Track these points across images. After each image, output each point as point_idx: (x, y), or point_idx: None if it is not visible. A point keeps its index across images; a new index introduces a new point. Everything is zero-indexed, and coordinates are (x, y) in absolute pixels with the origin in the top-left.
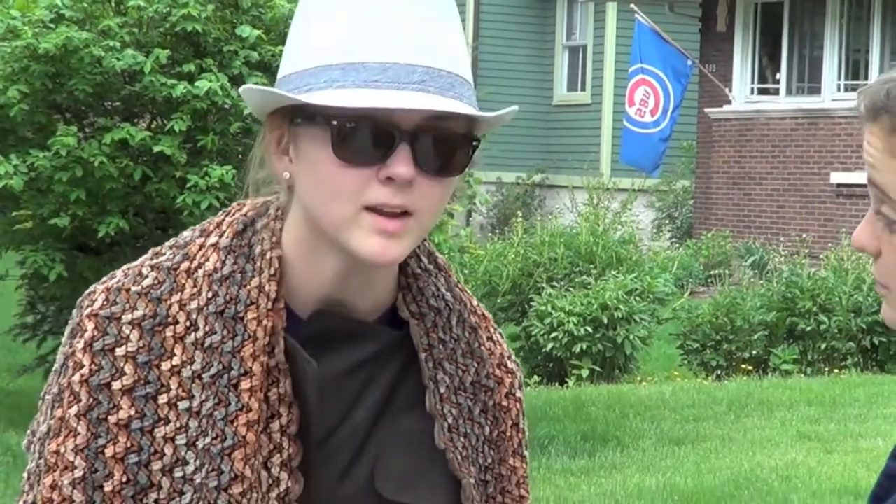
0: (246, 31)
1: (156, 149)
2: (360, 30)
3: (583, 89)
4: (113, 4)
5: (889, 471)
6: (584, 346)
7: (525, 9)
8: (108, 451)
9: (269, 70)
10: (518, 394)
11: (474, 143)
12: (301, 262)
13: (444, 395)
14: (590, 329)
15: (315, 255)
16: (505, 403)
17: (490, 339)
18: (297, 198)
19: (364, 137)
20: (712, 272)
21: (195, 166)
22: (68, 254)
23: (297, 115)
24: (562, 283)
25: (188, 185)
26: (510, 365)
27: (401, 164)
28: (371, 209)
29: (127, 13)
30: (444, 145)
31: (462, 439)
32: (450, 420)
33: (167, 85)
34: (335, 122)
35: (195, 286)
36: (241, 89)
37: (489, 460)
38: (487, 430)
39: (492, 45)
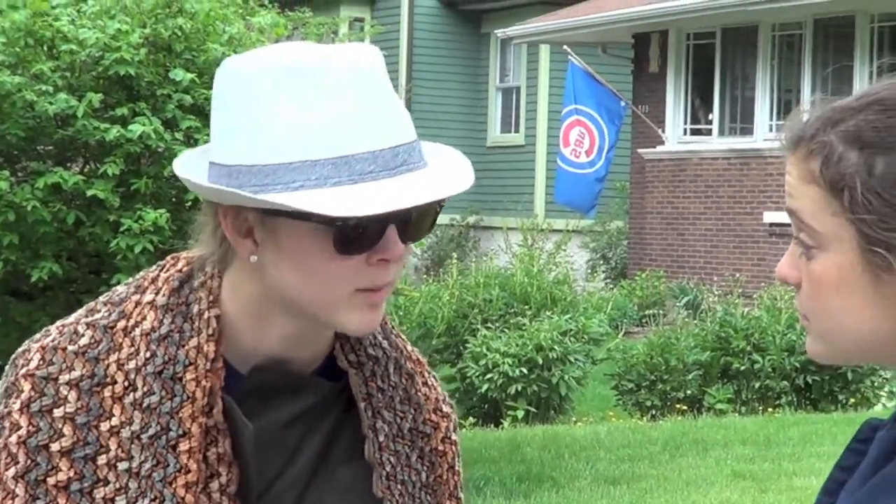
0: (179, 74)
1: (89, 193)
2: (336, 117)
3: (516, 131)
4: (45, 49)
5: (843, 462)
6: (520, 388)
7: (458, 51)
8: None
9: (202, 113)
10: (453, 437)
11: (441, 205)
12: (244, 323)
13: (382, 443)
14: (525, 370)
15: (263, 319)
16: (441, 448)
17: (425, 383)
18: (259, 274)
19: (362, 229)
20: (646, 312)
21: (129, 210)
22: (1, 299)
23: (275, 210)
24: (496, 324)
25: (122, 229)
26: (445, 409)
27: (394, 247)
28: (360, 289)
29: (59, 57)
30: (423, 217)
31: (399, 486)
32: (388, 468)
33: (100, 129)
34: (339, 224)
35: (133, 346)
36: (203, 188)
37: None
38: (424, 475)
39: (425, 87)
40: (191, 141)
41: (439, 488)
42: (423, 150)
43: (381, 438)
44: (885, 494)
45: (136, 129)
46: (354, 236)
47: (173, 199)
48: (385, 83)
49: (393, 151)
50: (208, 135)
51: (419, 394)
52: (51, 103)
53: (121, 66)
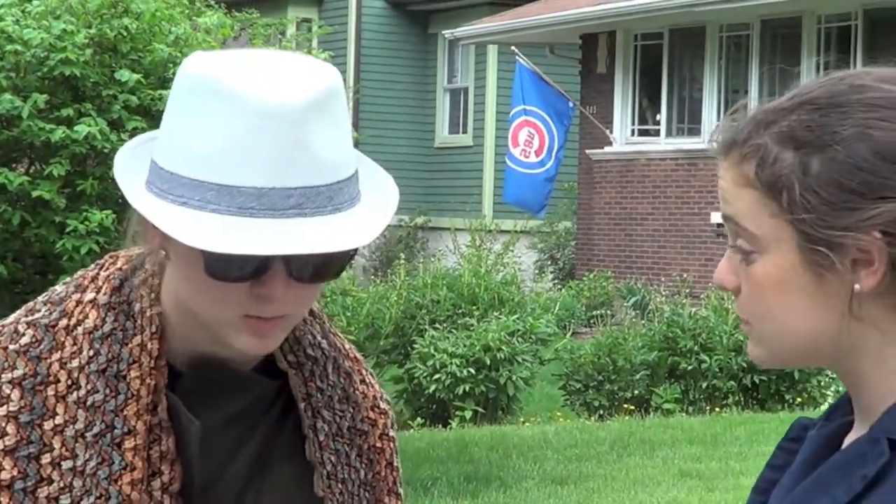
0: (125, 75)
1: (34, 193)
2: (235, 148)
3: (464, 131)
4: None
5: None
6: (467, 388)
7: (406, 51)
8: None
9: (148, 114)
10: (391, 433)
11: (352, 252)
12: (179, 320)
13: (322, 442)
14: (473, 370)
15: (193, 318)
16: (379, 444)
17: (363, 381)
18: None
19: (237, 262)
20: (594, 313)
21: (74, 211)
22: None
23: None
24: (444, 324)
25: (68, 230)
26: (383, 405)
27: (275, 286)
28: (247, 316)
29: (4, 57)
30: (320, 260)
31: (340, 485)
32: (328, 467)
33: (45, 129)
34: (203, 251)
35: (75, 344)
36: (116, 169)
37: (365, 503)
38: (363, 473)
39: (373, 88)
40: None
41: (378, 485)
42: (352, 195)
43: (322, 438)
44: (822, 493)
45: (82, 129)
46: (223, 267)
47: (119, 201)
48: (322, 120)
49: (285, 192)
50: None
51: (357, 392)
52: None
53: (66, 66)
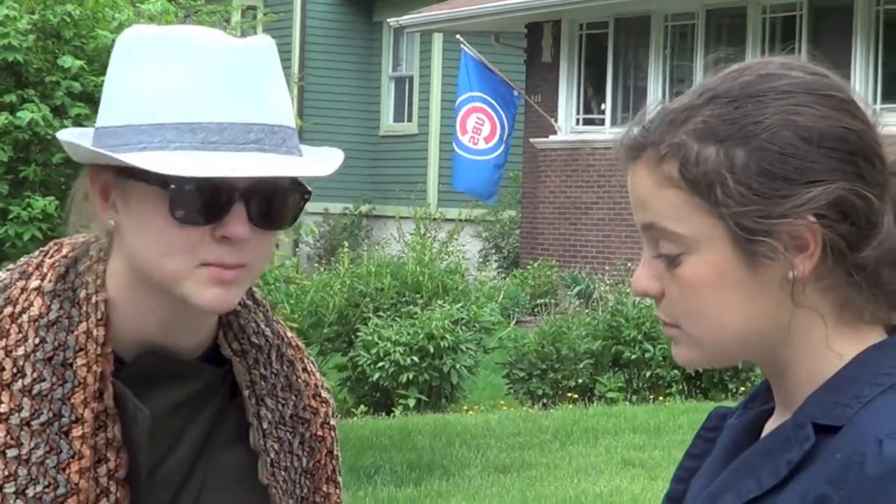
0: (68, 61)
1: None
2: (192, 86)
3: (409, 120)
4: None
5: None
6: (411, 376)
7: (351, 39)
8: None
9: (91, 100)
10: (332, 422)
11: (305, 196)
12: (126, 306)
13: (266, 430)
14: (416, 359)
15: (141, 301)
16: (320, 433)
17: (305, 370)
18: (121, 244)
19: (201, 199)
20: (538, 301)
21: (17, 197)
22: None
23: (126, 171)
24: (388, 312)
25: (10, 217)
26: (324, 394)
27: (237, 225)
28: (206, 264)
29: None
30: (277, 201)
31: (283, 473)
32: (272, 455)
33: None
34: (173, 186)
35: (20, 332)
36: (62, 139)
37: (305, 490)
38: (305, 461)
39: (318, 76)
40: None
41: (317, 473)
42: (298, 146)
43: (265, 426)
44: (747, 477)
45: (25, 116)
46: (189, 204)
47: (63, 187)
48: (268, 69)
49: (245, 127)
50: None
51: (299, 380)
52: None
53: (9, 52)
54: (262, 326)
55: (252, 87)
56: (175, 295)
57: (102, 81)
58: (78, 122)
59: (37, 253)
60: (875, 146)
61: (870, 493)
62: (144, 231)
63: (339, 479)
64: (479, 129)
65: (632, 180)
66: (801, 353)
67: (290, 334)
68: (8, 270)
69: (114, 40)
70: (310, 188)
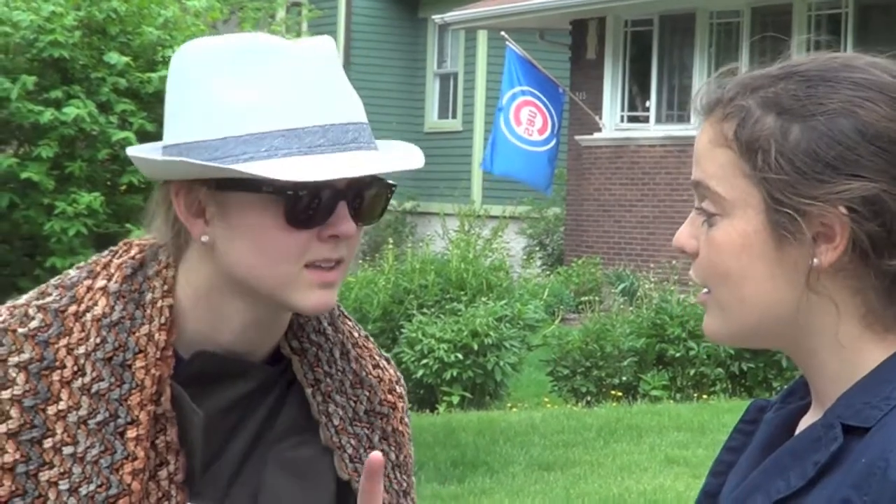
0: (114, 57)
1: (23, 175)
2: (287, 93)
3: (454, 117)
4: None
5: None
6: (455, 373)
7: (396, 36)
8: None
9: (137, 97)
10: (406, 419)
11: (392, 190)
12: (199, 313)
13: (339, 426)
14: (460, 356)
15: (218, 310)
16: (401, 428)
17: (377, 366)
18: (209, 256)
19: (313, 202)
20: (583, 299)
21: (63, 193)
22: None
23: (226, 183)
24: (432, 309)
25: (56, 212)
26: (399, 390)
27: (344, 223)
28: (310, 265)
29: None
30: (371, 197)
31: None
32: (349, 451)
33: (34, 111)
34: (290, 192)
35: (83, 331)
36: (153, 161)
37: (404, 485)
38: (393, 455)
39: (363, 73)
40: (125, 124)
41: (407, 467)
42: (375, 141)
43: (337, 422)
44: (777, 477)
45: (71, 111)
46: (305, 208)
47: (108, 183)
48: (339, 70)
49: (343, 128)
50: (143, 118)
51: (370, 376)
52: None
53: (55, 48)
54: (324, 325)
55: (336, 88)
56: (278, 300)
57: (148, 78)
58: (123, 118)
59: (106, 252)
60: None
61: (893, 500)
62: (250, 241)
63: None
64: (533, 121)
65: (698, 135)
66: (829, 347)
67: (357, 331)
68: (78, 268)
69: (159, 37)
70: (394, 183)
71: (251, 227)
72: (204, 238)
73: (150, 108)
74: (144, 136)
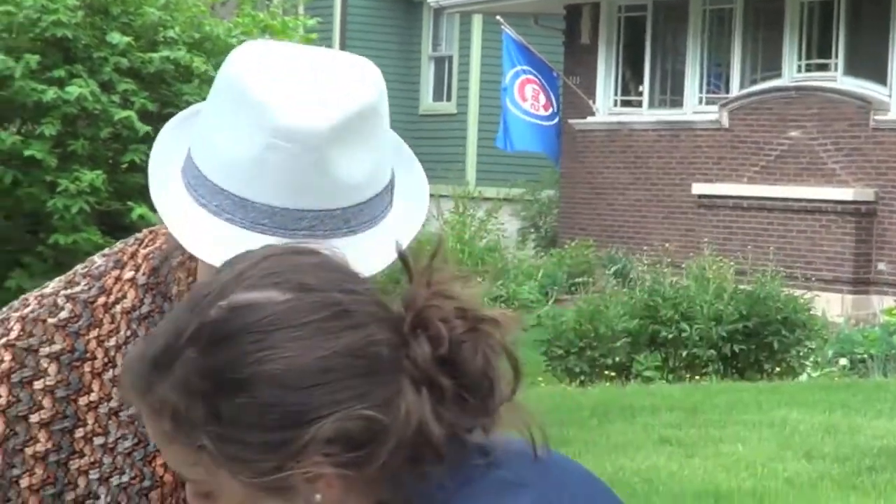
0: (116, 37)
1: (26, 153)
2: (253, 161)
3: (448, 99)
4: None
5: None
6: None
7: (391, 19)
8: (24, 482)
9: (138, 76)
10: None
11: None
12: None
13: None
14: None
15: None
16: None
17: None
18: None
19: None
20: (576, 280)
21: (65, 171)
22: None
23: None
24: None
25: (58, 190)
26: None
27: None
28: None
29: None
30: None
31: None
32: None
33: (37, 90)
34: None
35: (113, 323)
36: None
37: None
38: None
39: (358, 55)
40: (127, 103)
41: None
42: (370, 212)
43: None
44: None
45: (74, 90)
46: None
47: (110, 161)
48: (346, 145)
49: (297, 214)
50: (144, 98)
51: None
52: None
53: (58, 28)
54: None
55: (316, 172)
56: None
57: (149, 58)
58: (125, 97)
59: (131, 240)
60: (374, 332)
61: None
62: None
63: None
64: (538, 97)
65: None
66: None
67: None
68: (104, 256)
69: (160, 17)
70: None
71: None
72: None
73: (151, 87)
74: (145, 116)
